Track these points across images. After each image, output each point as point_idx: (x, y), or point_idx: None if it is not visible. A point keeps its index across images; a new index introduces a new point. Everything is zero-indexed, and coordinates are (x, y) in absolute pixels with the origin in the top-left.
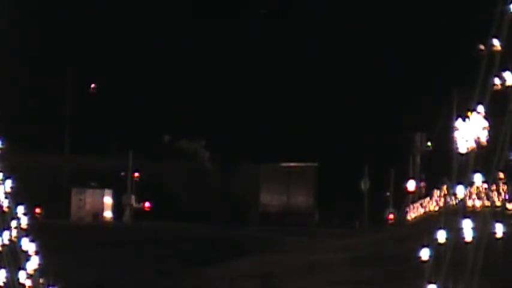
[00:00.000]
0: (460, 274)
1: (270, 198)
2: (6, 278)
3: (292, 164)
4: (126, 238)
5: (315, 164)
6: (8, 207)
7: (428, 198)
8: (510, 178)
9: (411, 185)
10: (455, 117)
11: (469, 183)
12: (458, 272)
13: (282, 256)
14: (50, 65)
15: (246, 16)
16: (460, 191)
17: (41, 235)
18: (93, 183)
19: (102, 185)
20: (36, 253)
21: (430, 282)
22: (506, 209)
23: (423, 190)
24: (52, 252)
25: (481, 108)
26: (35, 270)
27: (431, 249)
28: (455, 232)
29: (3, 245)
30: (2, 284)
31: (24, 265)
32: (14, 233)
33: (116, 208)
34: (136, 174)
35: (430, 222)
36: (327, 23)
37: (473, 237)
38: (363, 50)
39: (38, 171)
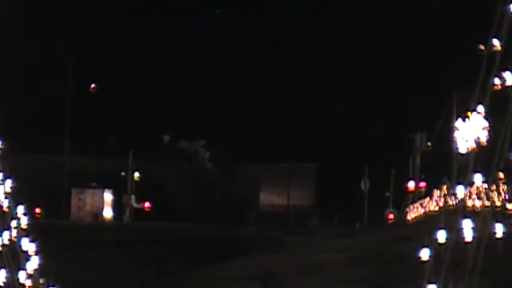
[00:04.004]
0: (460, 274)
1: (270, 198)
2: (6, 278)
3: (292, 164)
4: (126, 238)
5: (315, 164)
6: (8, 207)
7: (428, 199)
8: (510, 178)
9: (412, 185)
10: (455, 117)
11: (469, 183)
12: (458, 272)
13: (282, 256)
14: (50, 65)
15: (247, 16)
16: (460, 191)
17: (41, 235)
18: (93, 183)
19: (102, 185)
20: (36, 253)
21: (430, 283)
22: (506, 209)
23: (423, 190)
24: (52, 253)
25: (481, 108)
26: (35, 270)
27: (431, 250)
28: (455, 232)
29: (3, 245)
30: (2, 284)
31: (24, 265)
32: (14, 233)
33: (116, 208)
34: (136, 175)
35: (430, 222)
36: (327, 23)
37: (473, 237)
38: (363, 50)
39: (38, 172)
